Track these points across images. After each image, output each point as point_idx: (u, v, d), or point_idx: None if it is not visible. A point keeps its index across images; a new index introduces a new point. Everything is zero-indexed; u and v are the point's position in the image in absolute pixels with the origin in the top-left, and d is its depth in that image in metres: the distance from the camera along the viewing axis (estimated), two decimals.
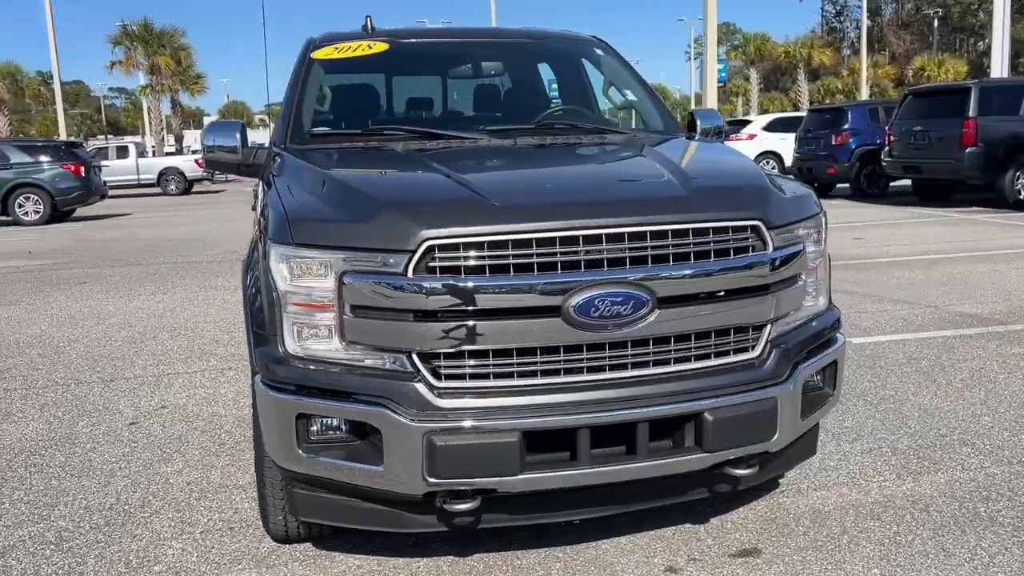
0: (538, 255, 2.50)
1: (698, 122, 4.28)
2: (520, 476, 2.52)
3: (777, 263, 2.74)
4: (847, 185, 17.96)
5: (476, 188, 2.73)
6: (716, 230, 2.66)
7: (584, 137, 3.82)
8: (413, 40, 4.43)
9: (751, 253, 2.70)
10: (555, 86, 4.59)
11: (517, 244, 2.50)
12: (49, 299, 8.78)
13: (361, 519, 2.75)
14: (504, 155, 3.52)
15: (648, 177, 2.97)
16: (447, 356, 2.53)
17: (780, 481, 3.58)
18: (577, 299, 2.48)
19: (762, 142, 22.20)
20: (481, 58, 4.52)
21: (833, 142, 17.74)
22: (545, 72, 4.62)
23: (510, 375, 2.55)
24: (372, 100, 4.30)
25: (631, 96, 4.31)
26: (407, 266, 2.47)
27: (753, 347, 2.75)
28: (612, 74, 4.47)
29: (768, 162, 21.38)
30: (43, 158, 19.24)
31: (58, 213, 19.34)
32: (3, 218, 19.04)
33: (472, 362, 2.53)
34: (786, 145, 20.91)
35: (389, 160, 3.44)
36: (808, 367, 2.84)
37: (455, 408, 2.51)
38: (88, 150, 24.07)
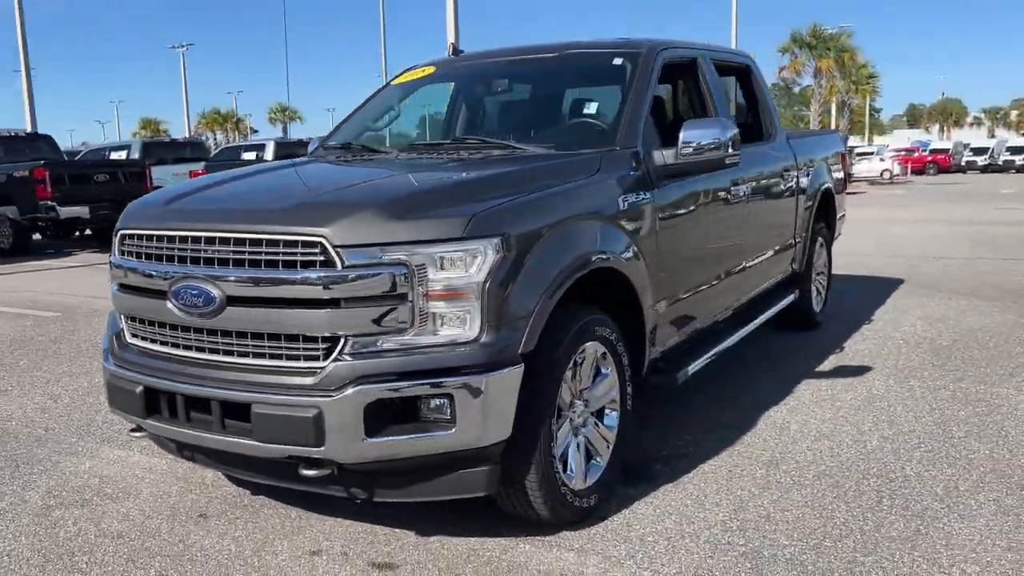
0: (167, 249, 3.14)
1: (680, 135, 3.85)
2: (147, 421, 3.21)
3: (348, 280, 2.79)
4: None
5: (200, 193, 3.44)
6: (286, 243, 2.88)
7: (463, 153, 3.89)
8: (456, 64, 4.84)
9: (317, 268, 2.83)
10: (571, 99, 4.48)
11: (155, 239, 3.17)
12: None
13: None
14: (342, 168, 3.95)
15: (312, 190, 3.19)
16: (128, 320, 3.35)
17: (557, 538, 3.28)
18: (174, 287, 3.06)
19: None
20: (504, 77, 4.68)
21: None
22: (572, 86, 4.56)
23: (154, 340, 3.24)
24: (384, 117, 4.90)
25: (590, 108, 4.05)
26: (113, 249, 3.37)
27: (321, 357, 2.86)
28: (626, 87, 4.21)
29: None
30: None
31: None
32: None
33: (137, 326, 3.31)
34: None
35: (262, 169, 4.12)
36: (376, 388, 2.78)
37: (123, 359, 3.32)
38: None
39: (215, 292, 2.96)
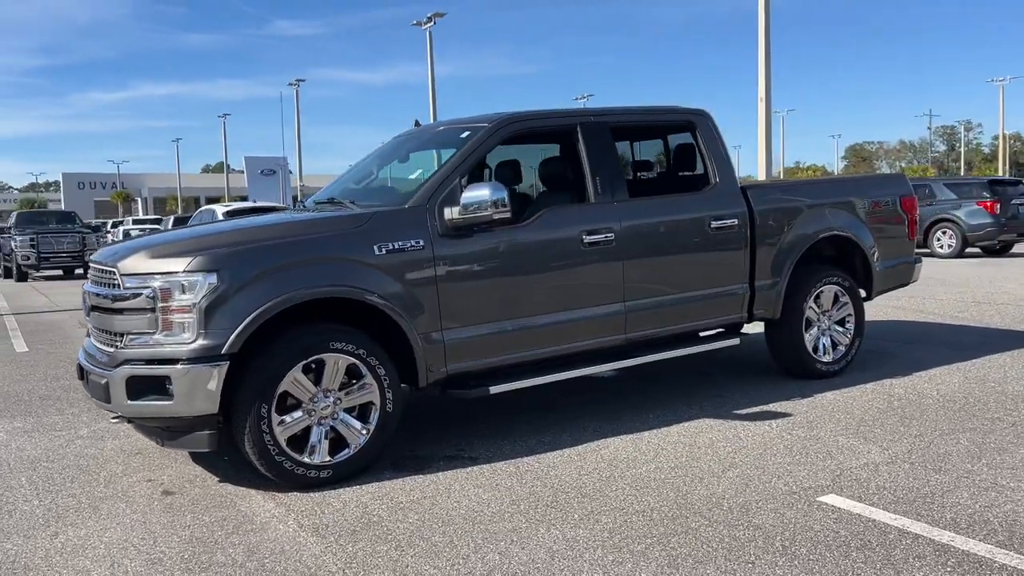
0: (101, 276, 4.95)
1: (461, 195, 4.76)
2: (80, 383, 5.06)
3: (125, 297, 4.35)
4: None
5: (125, 242, 5.22)
6: (106, 272, 4.53)
7: (312, 209, 5.17)
8: (397, 136, 6.04)
9: (113, 288, 4.44)
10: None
11: (96, 270, 5.01)
12: None
13: None
14: (251, 221, 5.43)
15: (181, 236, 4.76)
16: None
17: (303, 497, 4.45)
18: (85, 297, 4.88)
19: None
20: (404, 149, 5.79)
21: None
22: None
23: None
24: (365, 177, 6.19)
25: (415, 174, 5.01)
26: None
27: (117, 347, 4.43)
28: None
29: None
30: (962, 195, 20.17)
31: (967, 247, 19.95)
32: (923, 250, 20.80)
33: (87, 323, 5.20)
34: None
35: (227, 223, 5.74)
36: (130, 368, 4.28)
37: (83, 346, 5.21)
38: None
39: (89, 301, 4.72)
